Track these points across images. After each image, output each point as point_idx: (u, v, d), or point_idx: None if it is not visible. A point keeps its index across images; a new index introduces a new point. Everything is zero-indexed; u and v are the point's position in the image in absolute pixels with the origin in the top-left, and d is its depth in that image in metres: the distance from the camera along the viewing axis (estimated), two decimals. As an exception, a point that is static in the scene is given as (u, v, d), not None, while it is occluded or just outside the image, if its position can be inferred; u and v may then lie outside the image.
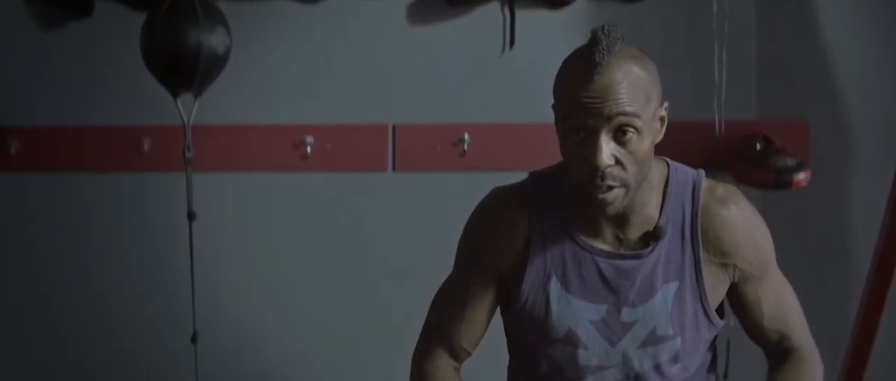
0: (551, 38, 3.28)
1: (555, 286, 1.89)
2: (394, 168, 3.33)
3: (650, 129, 1.78)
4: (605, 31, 1.77)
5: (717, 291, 1.93)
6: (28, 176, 3.36)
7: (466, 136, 3.30)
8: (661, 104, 1.83)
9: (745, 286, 1.94)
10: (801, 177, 3.06)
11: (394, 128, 3.32)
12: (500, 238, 1.92)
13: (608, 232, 1.89)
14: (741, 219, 1.90)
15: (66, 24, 3.27)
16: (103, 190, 3.36)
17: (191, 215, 2.93)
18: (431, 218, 3.34)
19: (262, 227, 3.38)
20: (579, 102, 1.74)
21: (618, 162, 1.76)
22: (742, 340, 2.12)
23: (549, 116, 3.30)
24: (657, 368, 1.93)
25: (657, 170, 1.89)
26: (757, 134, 3.20)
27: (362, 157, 3.32)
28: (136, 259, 3.39)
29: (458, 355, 2.01)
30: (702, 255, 1.89)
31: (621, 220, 1.87)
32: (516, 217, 1.92)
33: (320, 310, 3.41)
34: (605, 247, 1.89)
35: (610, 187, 1.76)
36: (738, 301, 1.97)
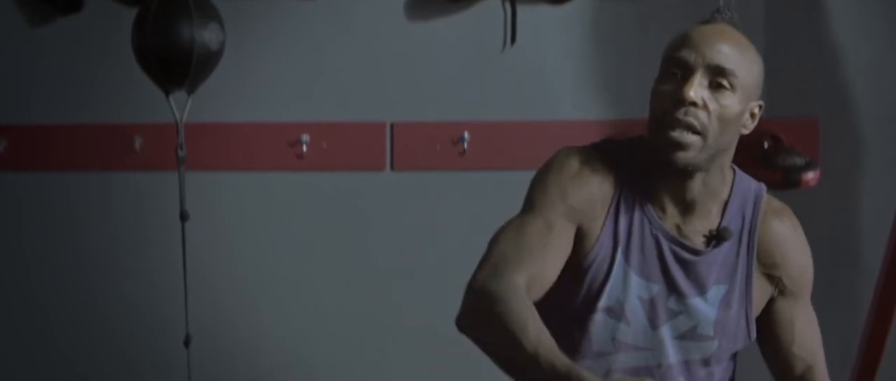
0: (553, 34, 3.30)
1: (620, 254, 1.88)
2: (392, 167, 3.32)
3: (744, 100, 1.82)
4: (729, 10, 1.90)
5: (759, 301, 1.95)
6: (17, 176, 3.35)
7: (466, 134, 3.29)
8: (758, 99, 1.87)
9: (781, 303, 1.96)
10: (810, 176, 3.06)
11: (392, 126, 3.31)
12: (593, 187, 1.86)
13: (671, 219, 1.88)
14: (793, 235, 1.96)
15: (55, 20, 3.26)
16: (94, 190, 3.35)
17: (184, 216, 2.91)
18: (431, 219, 3.33)
19: (257, 227, 3.37)
20: (688, 40, 1.80)
21: (704, 107, 1.78)
22: (747, 351, 2.08)
23: (552, 113, 3.34)
24: (686, 364, 1.92)
25: (728, 173, 1.92)
26: (765, 132, 3.18)
27: (360, 156, 3.31)
28: (127, 260, 3.38)
29: (533, 292, 1.80)
30: (754, 263, 1.92)
31: (688, 208, 1.88)
32: (607, 173, 1.88)
33: (317, 312, 3.39)
34: (672, 232, 1.88)
35: (689, 127, 1.77)
36: (770, 320, 1.97)
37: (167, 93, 2.80)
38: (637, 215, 1.88)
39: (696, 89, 1.77)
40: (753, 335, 1.95)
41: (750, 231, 1.91)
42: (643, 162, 1.89)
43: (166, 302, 3.19)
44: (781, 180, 3.04)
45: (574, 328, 1.90)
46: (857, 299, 3.25)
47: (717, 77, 1.79)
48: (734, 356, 2.02)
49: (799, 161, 3.06)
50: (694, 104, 1.77)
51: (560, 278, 1.85)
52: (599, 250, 1.87)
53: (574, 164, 1.88)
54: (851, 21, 3.26)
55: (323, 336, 3.39)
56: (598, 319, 1.88)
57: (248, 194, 3.34)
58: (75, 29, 3.25)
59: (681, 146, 1.78)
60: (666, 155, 1.79)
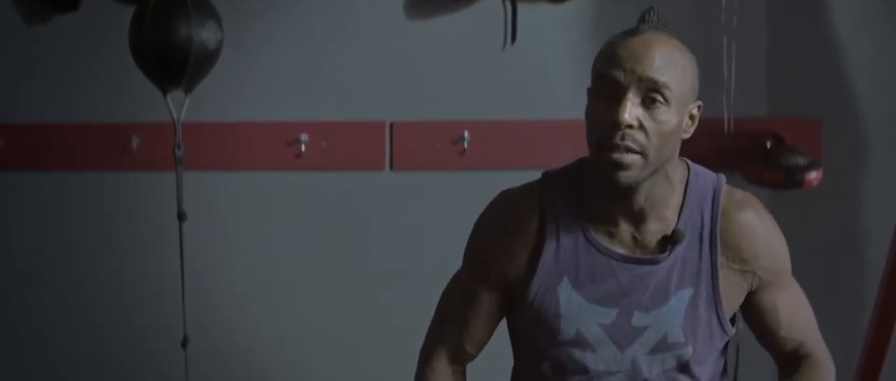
0: (553, 33, 3.28)
1: (565, 287, 1.88)
2: (391, 167, 3.31)
3: (680, 109, 1.79)
4: (655, 9, 1.83)
5: (733, 298, 1.91)
6: (11, 176, 3.33)
7: (466, 134, 3.28)
8: (695, 101, 1.84)
9: (762, 295, 1.93)
10: (813, 176, 3.04)
11: (391, 125, 3.30)
12: (510, 243, 1.92)
13: (625, 231, 1.87)
14: (760, 226, 1.91)
15: (52, 18, 3.24)
16: (90, 190, 3.33)
17: (181, 216, 2.90)
18: (430, 219, 3.32)
19: (255, 228, 3.36)
20: (615, 58, 1.77)
21: (641, 127, 1.75)
22: (752, 346, 2.08)
23: (553, 113, 3.33)
24: (665, 374, 1.91)
25: (678, 171, 1.88)
26: (767, 132, 3.19)
27: (359, 155, 3.30)
28: (124, 261, 3.36)
29: (460, 357, 2.01)
30: (720, 261, 1.88)
31: (639, 217, 1.86)
32: (527, 221, 1.91)
33: (316, 314, 3.38)
34: (622, 250, 1.87)
35: (628, 150, 1.75)
36: (754, 310, 1.95)
37: (165, 92, 2.79)
38: (582, 243, 1.88)
39: (630, 111, 1.74)
40: (731, 331, 1.93)
41: (711, 229, 1.87)
42: (588, 182, 1.88)
43: (164, 303, 3.19)
44: (784, 180, 3.03)
45: (544, 362, 1.94)
46: (860, 299, 3.24)
47: (651, 93, 1.75)
48: (725, 350, 2.00)
49: (801, 161, 3.05)
50: (630, 126, 1.74)
51: (515, 318, 1.96)
52: (538, 286, 1.89)
53: (492, 222, 1.95)
54: (854, 20, 3.24)
55: (322, 337, 3.38)
56: (564, 352, 1.90)
57: (247, 194, 3.33)
58: (72, 27, 3.23)
59: (622, 166, 1.76)
60: (609, 175, 1.78)
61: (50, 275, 3.37)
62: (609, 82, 1.77)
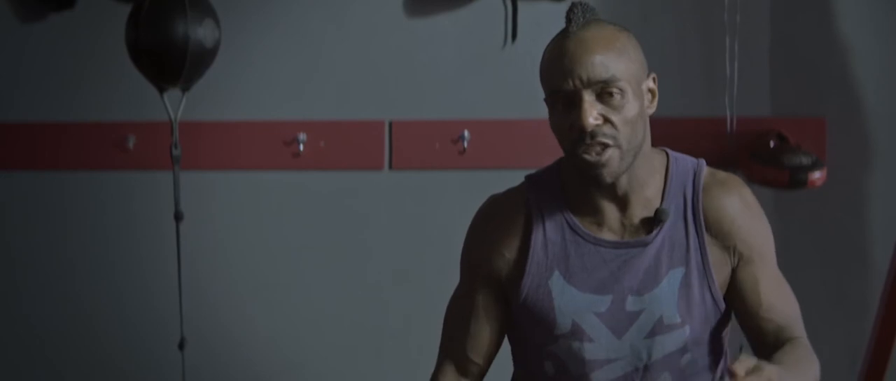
0: (554, 31, 3.17)
1: (557, 280, 1.90)
2: (390, 167, 3.31)
3: (637, 91, 1.82)
4: (580, 5, 1.84)
5: (722, 276, 1.92)
6: (6, 175, 3.33)
7: (466, 133, 3.27)
8: (648, 75, 1.87)
9: (743, 271, 1.93)
10: (817, 176, 3.03)
11: (390, 124, 3.29)
12: (499, 246, 1.94)
13: (611, 218, 1.90)
14: (741, 202, 1.93)
15: (47, 16, 3.24)
16: (86, 190, 3.34)
17: (178, 216, 2.90)
18: (430, 219, 3.32)
19: (253, 228, 3.35)
20: (559, 69, 1.80)
21: (607, 121, 1.79)
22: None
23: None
24: (665, 358, 1.91)
25: (657, 158, 1.92)
26: (771, 131, 3.18)
27: (357, 155, 3.30)
28: (120, 262, 3.36)
29: (467, 369, 2.01)
30: (706, 238, 1.90)
31: (623, 202, 1.89)
32: (513, 220, 1.94)
33: (314, 315, 3.38)
34: (609, 237, 1.90)
35: (603, 146, 1.79)
36: (736, 288, 1.94)
37: (161, 91, 2.79)
38: (569, 235, 1.91)
39: (591, 114, 1.77)
40: (722, 306, 1.92)
41: (693, 206, 1.90)
42: (568, 177, 1.92)
43: (160, 305, 3.18)
44: (788, 180, 3.02)
45: (544, 360, 1.95)
46: (864, 299, 3.22)
47: (604, 89, 1.78)
48: (720, 338, 1.98)
49: (805, 160, 3.04)
50: (597, 126, 1.78)
51: (514, 321, 1.97)
52: (530, 282, 1.91)
53: (479, 226, 1.99)
54: (858, 18, 3.23)
55: (320, 338, 3.38)
56: (562, 345, 1.91)
57: (244, 193, 3.33)
58: (68, 25, 3.23)
59: (601, 164, 1.80)
60: (591, 174, 1.82)
61: (45, 275, 3.37)
62: (561, 94, 1.80)
